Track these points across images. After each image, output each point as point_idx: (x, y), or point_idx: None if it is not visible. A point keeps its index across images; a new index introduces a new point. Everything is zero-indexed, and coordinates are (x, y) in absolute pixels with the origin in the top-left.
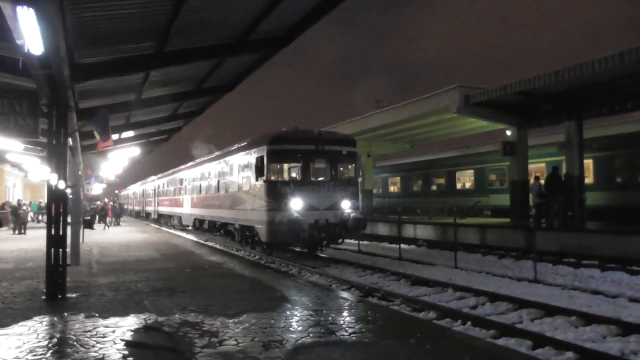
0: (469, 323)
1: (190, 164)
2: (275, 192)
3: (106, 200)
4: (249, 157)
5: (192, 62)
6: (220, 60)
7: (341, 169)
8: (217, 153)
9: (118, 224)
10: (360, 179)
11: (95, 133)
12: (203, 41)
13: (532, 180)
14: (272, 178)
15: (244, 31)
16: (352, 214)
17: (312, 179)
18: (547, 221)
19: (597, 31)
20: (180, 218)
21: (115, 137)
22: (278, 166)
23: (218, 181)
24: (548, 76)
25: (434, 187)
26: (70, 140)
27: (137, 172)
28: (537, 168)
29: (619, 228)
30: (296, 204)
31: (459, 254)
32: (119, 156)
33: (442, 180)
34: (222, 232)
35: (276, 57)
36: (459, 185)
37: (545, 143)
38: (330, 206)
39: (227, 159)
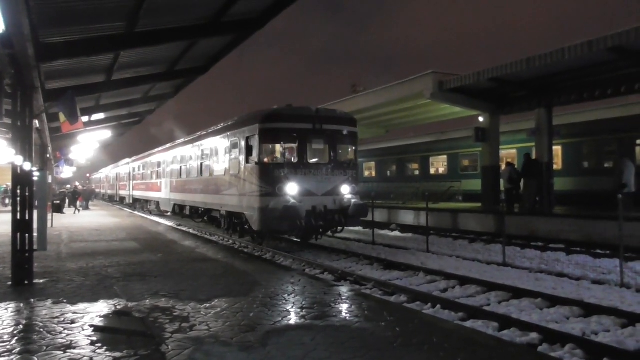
0: (438, 306)
1: (169, 145)
2: (269, 176)
3: (77, 183)
4: (238, 137)
5: (164, 43)
6: (192, 42)
7: (340, 150)
8: (200, 133)
9: (87, 208)
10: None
11: (61, 115)
12: (175, 22)
13: (503, 166)
14: (265, 160)
15: (216, 13)
16: (352, 200)
17: (309, 161)
18: (522, 205)
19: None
20: (157, 203)
21: (84, 119)
22: (271, 147)
23: (201, 164)
24: (520, 63)
25: (408, 172)
26: (37, 122)
27: (110, 155)
28: (508, 154)
29: (584, 213)
30: (292, 189)
31: (431, 238)
32: (90, 139)
33: (416, 166)
34: (205, 218)
35: (258, 39)
36: (432, 171)
37: (515, 130)
38: (328, 191)
39: (212, 139)
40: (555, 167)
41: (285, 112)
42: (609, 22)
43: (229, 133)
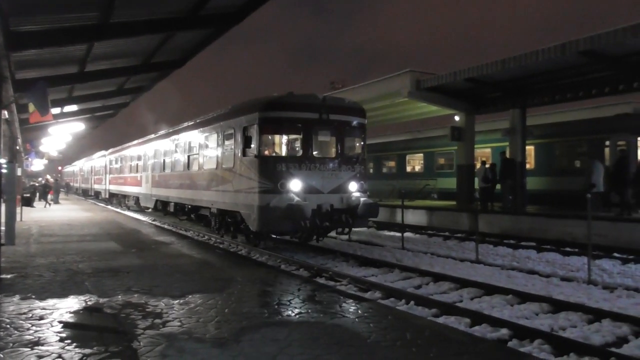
0: (412, 302)
1: (151, 136)
2: (270, 170)
3: (48, 176)
4: (234, 128)
5: (139, 35)
6: (169, 34)
7: (348, 143)
8: (188, 123)
9: (57, 202)
10: None
11: (30, 105)
12: (151, 14)
13: (478, 165)
14: (266, 152)
15: (194, 5)
16: (362, 199)
17: (315, 155)
18: (504, 204)
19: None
20: (137, 198)
21: (57, 111)
22: (271, 138)
23: (189, 156)
24: (495, 64)
25: (384, 170)
26: (5, 112)
27: (83, 147)
28: (483, 153)
29: (554, 212)
30: (295, 186)
31: (406, 235)
32: (62, 131)
33: (392, 163)
34: (192, 216)
35: (239, 35)
36: (408, 169)
37: (490, 129)
38: (335, 189)
39: (202, 130)
40: (527, 166)
41: (288, 99)
42: (584, 26)
43: (222, 123)
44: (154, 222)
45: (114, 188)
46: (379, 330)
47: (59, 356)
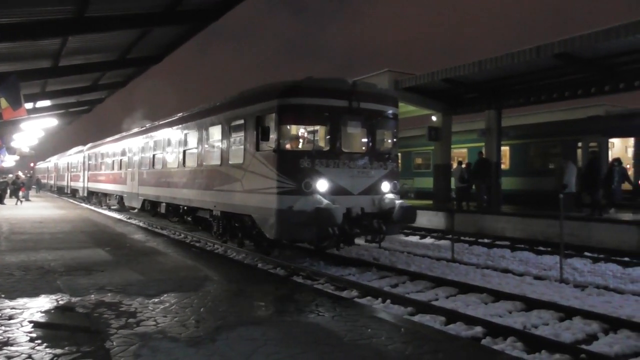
0: (388, 301)
1: (138, 130)
2: (293, 168)
3: (19, 173)
4: (245, 118)
5: (115, 30)
6: (145, 30)
7: (380, 137)
8: (183, 114)
9: (27, 199)
10: None
11: (2, 100)
12: (127, 9)
13: (454, 165)
14: (287, 146)
15: (171, 1)
16: (397, 201)
17: (344, 149)
18: (479, 204)
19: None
20: (121, 198)
21: (29, 106)
22: (289, 129)
23: (185, 151)
24: (471, 66)
25: None
26: None
27: (57, 143)
28: (460, 153)
29: (528, 211)
30: (322, 186)
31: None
32: (34, 127)
33: None
34: (189, 219)
35: (224, 31)
36: None
37: (467, 130)
38: (366, 189)
39: (202, 121)
40: (502, 167)
41: (312, 84)
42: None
43: (228, 113)
44: (129, 220)
45: (93, 186)
46: (355, 328)
47: (29, 356)
